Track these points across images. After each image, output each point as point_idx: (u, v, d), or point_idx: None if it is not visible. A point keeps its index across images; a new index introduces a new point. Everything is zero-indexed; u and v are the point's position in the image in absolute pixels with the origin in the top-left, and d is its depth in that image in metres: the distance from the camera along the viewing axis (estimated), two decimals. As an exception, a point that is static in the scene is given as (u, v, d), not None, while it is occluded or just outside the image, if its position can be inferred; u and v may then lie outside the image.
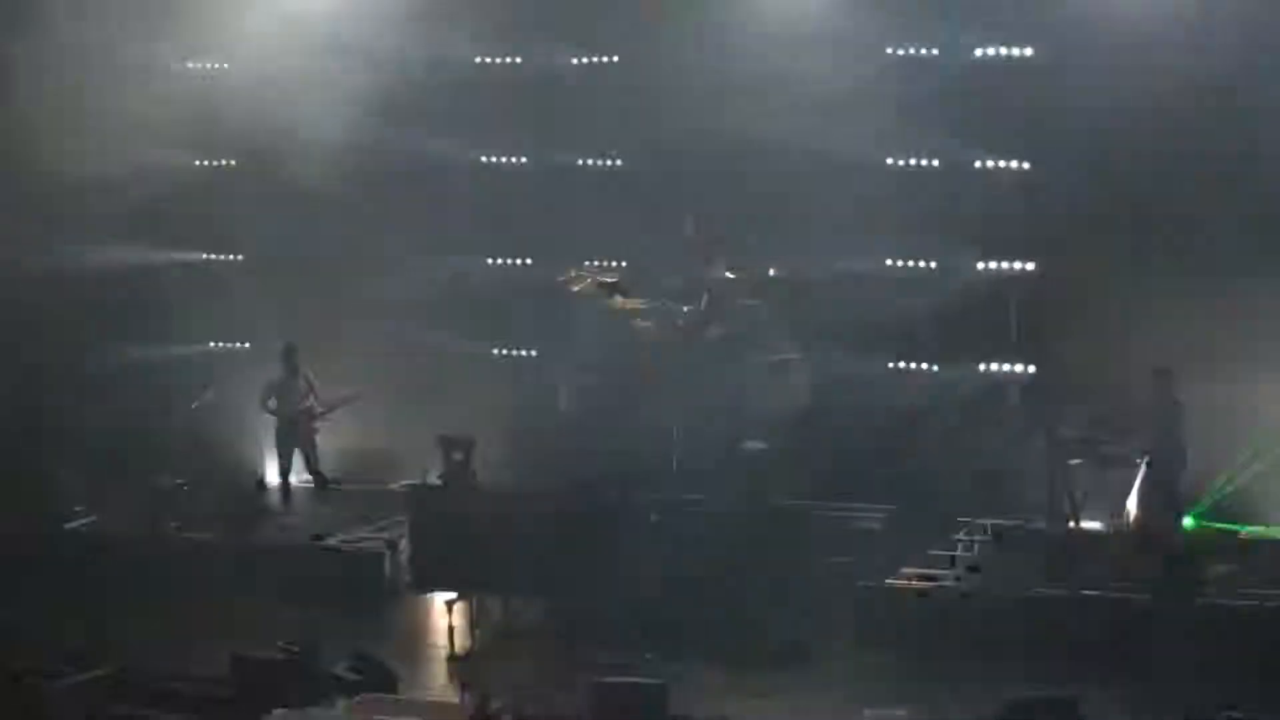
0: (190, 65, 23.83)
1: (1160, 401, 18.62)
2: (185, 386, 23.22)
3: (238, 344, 24.33)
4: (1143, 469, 18.74)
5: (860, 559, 18.72)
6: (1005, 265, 21.05)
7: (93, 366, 22.45)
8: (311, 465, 22.53)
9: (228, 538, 20.70)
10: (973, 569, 18.58)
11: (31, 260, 21.99)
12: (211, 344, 24.27)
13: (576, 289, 20.90)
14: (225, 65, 23.76)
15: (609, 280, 21.07)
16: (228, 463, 22.65)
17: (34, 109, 21.80)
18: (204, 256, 24.31)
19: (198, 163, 24.09)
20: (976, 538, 19.66)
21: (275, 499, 22.36)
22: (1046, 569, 18.46)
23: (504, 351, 23.15)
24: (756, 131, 20.82)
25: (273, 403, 22.24)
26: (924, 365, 21.34)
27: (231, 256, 24.44)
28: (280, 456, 22.36)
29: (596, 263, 21.28)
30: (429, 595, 19.35)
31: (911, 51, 21.25)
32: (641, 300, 20.95)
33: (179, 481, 22.02)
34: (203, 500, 21.75)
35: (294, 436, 22.22)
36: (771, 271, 20.29)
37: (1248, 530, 19.42)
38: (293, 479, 22.63)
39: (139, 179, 22.68)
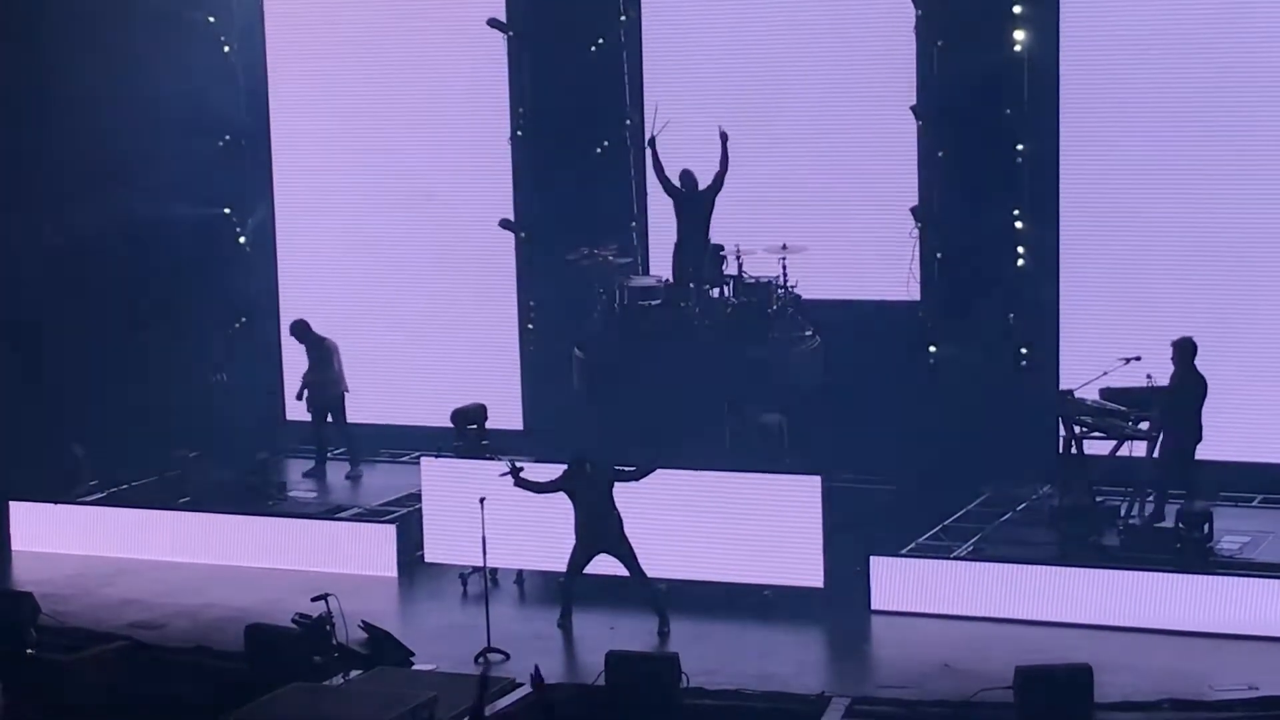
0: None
1: (1180, 373, 18.53)
2: (200, 361, 23.35)
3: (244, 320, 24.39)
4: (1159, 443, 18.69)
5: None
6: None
7: (106, 341, 22.43)
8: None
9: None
10: None
11: (45, 234, 22.03)
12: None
13: (587, 265, 20.84)
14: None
15: (622, 260, 21.05)
16: (239, 436, 22.67)
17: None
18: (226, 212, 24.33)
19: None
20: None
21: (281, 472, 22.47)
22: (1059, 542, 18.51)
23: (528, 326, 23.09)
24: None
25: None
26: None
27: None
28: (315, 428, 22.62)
29: (613, 245, 21.21)
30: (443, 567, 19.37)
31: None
32: (652, 279, 20.92)
33: (192, 454, 22.07)
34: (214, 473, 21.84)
35: (317, 406, 22.32)
36: (783, 244, 20.19)
37: None
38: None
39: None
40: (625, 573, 17.65)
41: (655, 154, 20.41)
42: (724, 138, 20.05)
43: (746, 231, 20.34)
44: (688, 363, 19.96)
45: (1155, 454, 18.73)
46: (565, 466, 17.78)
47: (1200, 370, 18.50)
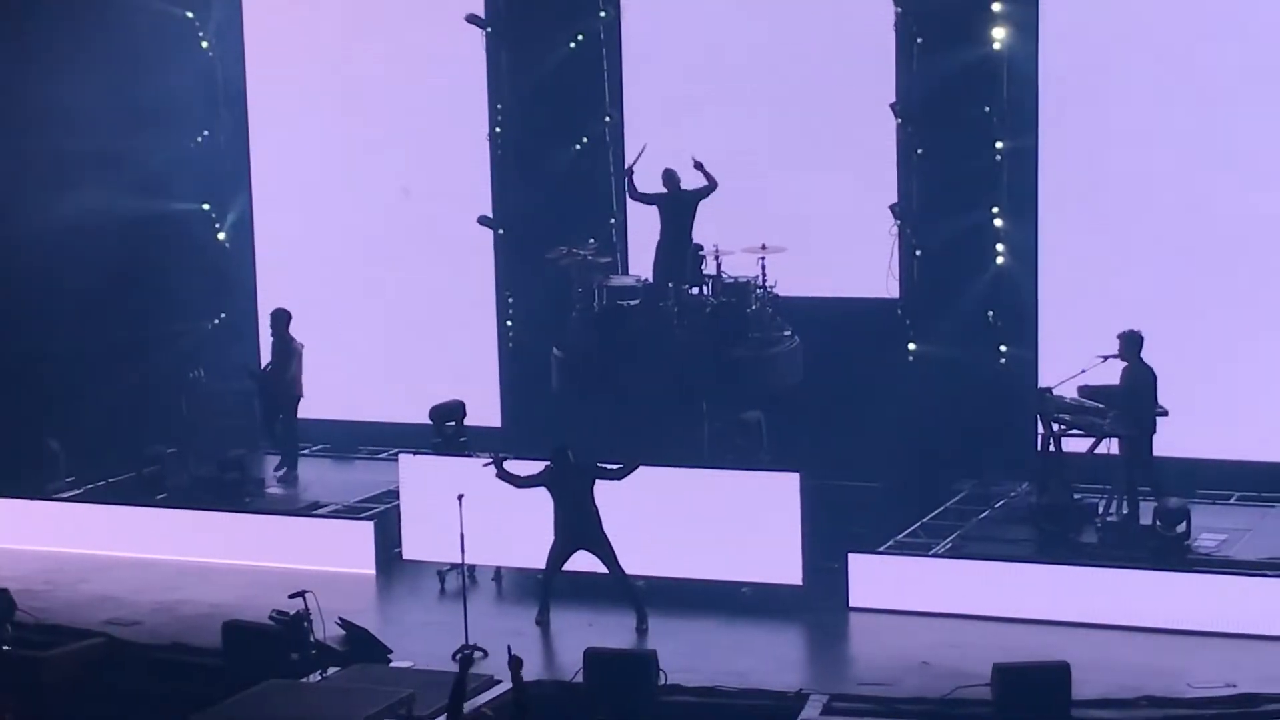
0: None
1: (1131, 367, 18.50)
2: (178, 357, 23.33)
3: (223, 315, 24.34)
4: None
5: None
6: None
7: (87, 338, 22.38)
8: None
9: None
10: None
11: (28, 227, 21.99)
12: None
13: (566, 264, 20.83)
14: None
15: (601, 260, 21.03)
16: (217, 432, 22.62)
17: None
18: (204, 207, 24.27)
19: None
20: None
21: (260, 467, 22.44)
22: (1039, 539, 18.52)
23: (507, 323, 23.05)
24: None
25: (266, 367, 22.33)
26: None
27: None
28: (264, 422, 22.47)
29: (591, 241, 21.19)
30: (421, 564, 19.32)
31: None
32: (631, 279, 20.92)
33: (170, 451, 22.01)
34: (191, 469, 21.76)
35: (274, 402, 22.23)
36: (762, 244, 20.20)
37: None
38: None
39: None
40: (604, 569, 17.64)
41: (631, 183, 20.45)
42: (699, 165, 20.08)
43: (725, 229, 20.32)
44: (667, 362, 19.95)
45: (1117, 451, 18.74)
46: (547, 463, 17.74)
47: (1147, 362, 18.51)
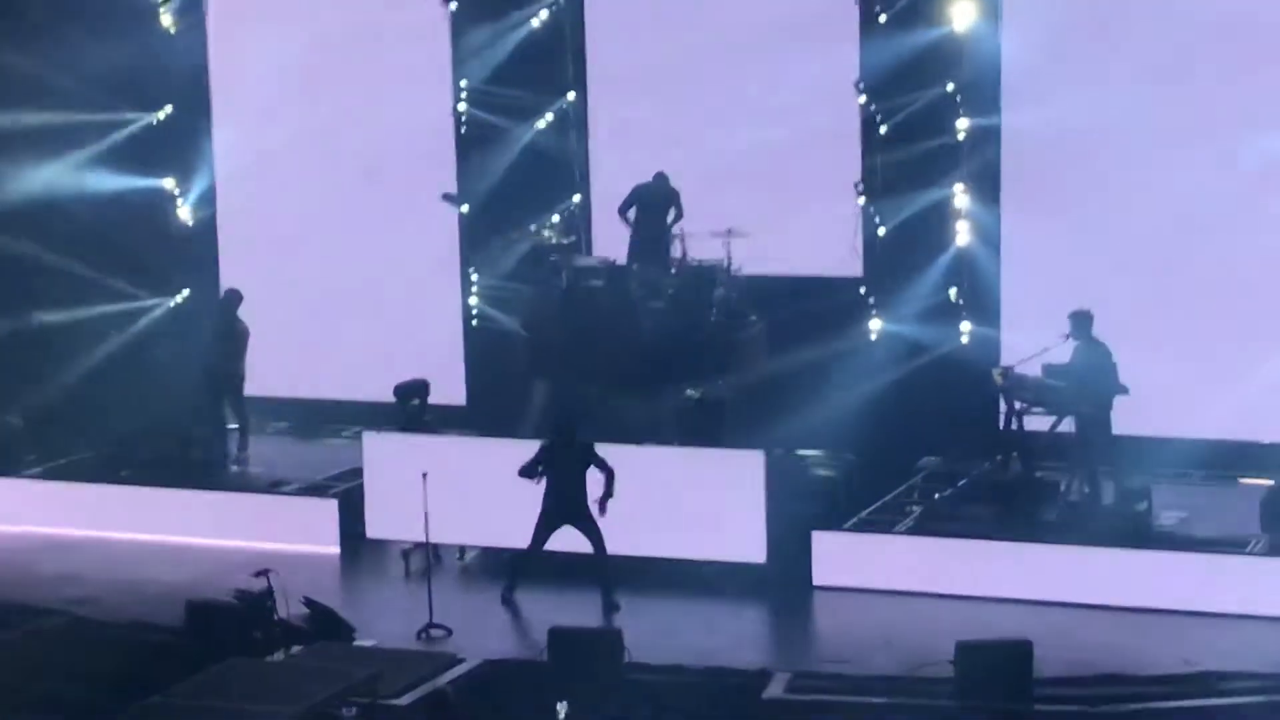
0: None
1: (1084, 345, 18.52)
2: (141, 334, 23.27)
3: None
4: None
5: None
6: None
7: (48, 314, 22.31)
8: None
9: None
10: None
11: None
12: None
13: (531, 244, 20.85)
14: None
15: (565, 240, 21.04)
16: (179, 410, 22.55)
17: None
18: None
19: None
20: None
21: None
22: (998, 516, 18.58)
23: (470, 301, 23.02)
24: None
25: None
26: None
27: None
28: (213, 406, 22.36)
29: (554, 220, 21.19)
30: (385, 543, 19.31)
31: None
32: (596, 259, 20.93)
33: (132, 428, 21.94)
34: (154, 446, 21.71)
35: (217, 385, 22.12)
36: (728, 229, 20.24)
37: None
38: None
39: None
40: (566, 549, 17.58)
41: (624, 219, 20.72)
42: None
43: (691, 208, 20.34)
44: (631, 342, 19.96)
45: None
46: (549, 440, 17.66)
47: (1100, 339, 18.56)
